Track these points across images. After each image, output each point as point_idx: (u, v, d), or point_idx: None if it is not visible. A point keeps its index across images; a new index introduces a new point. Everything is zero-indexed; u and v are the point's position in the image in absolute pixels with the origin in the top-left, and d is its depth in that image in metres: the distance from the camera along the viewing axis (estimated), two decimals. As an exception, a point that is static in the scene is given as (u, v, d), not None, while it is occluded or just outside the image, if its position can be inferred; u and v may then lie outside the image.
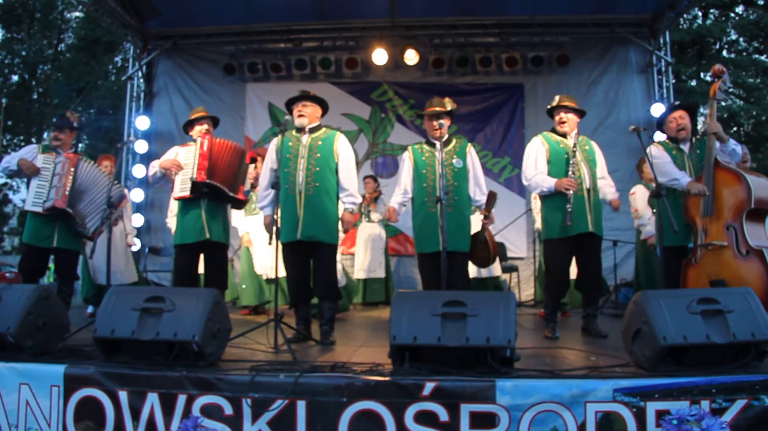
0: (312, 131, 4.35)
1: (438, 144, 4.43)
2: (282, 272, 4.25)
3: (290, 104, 4.44)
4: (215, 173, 4.55)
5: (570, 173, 4.44)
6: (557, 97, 4.73)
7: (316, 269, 4.29)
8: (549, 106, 4.71)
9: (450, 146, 4.53)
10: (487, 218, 4.62)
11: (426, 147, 4.58)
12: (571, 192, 4.35)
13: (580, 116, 4.67)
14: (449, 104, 4.61)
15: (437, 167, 4.38)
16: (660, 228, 4.47)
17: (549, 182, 4.45)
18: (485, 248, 4.74)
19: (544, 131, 4.73)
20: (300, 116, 4.31)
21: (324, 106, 4.50)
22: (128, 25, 8.33)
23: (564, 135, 4.59)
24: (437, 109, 4.53)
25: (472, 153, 4.59)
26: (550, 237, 4.57)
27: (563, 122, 4.58)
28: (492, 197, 4.61)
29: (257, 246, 6.29)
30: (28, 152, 4.96)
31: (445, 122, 4.47)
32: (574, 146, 4.52)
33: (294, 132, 4.33)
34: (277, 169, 4.21)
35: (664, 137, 4.81)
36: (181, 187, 4.55)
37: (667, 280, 4.39)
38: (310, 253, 4.29)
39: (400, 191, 4.61)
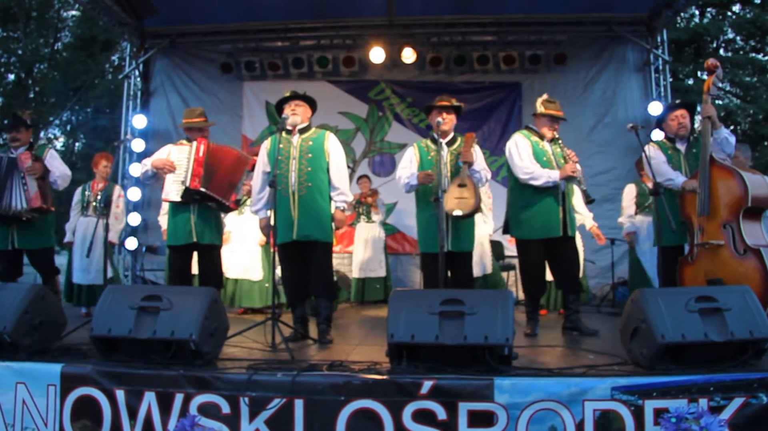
0: (302, 131, 4.35)
1: (443, 143, 4.49)
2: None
3: (282, 104, 4.44)
4: (211, 181, 4.49)
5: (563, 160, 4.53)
6: (546, 105, 4.68)
7: (312, 268, 4.29)
8: (544, 112, 4.64)
9: (455, 145, 4.55)
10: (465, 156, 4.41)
11: (432, 146, 4.58)
12: (579, 172, 4.43)
13: None
14: (456, 103, 4.66)
15: (441, 167, 4.37)
16: (658, 227, 4.48)
17: (554, 174, 4.44)
18: (470, 189, 4.40)
19: (522, 130, 4.75)
20: (294, 114, 4.32)
21: (314, 106, 4.51)
22: (125, 23, 8.29)
23: (542, 137, 4.63)
24: (445, 102, 4.56)
25: (477, 152, 4.58)
26: (524, 238, 4.57)
27: (555, 130, 4.63)
28: (470, 139, 4.51)
29: (236, 246, 6.28)
30: None
31: (451, 118, 4.51)
32: (558, 140, 4.64)
33: (284, 134, 4.31)
34: (270, 171, 4.25)
35: (661, 136, 4.82)
36: (172, 189, 4.51)
37: (663, 279, 4.40)
38: (305, 253, 4.29)
39: (407, 172, 4.55)
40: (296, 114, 4.32)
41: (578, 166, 4.49)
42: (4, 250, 4.87)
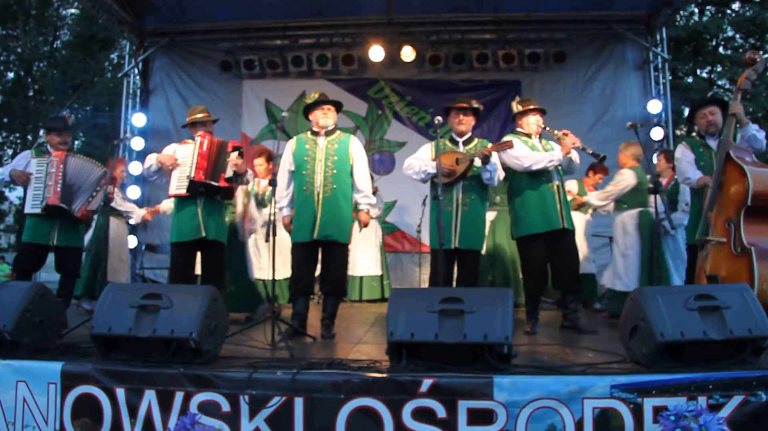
0: (328, 134, 4.46)
1: (460, 142, 4.61)
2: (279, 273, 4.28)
3: (312, 108, 4.51)
4: (213, 173, 4.58)
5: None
6: (522, 103, 4.77)
7: (327, 268, 4.42)
8: (524, 108, 4.71)
9: (471, 145, 4.62)
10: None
11: (449, 145, 4.65)
12: (579, 144, 4.52)
13: None
14: (475, 105, 4.72)
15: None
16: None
17: (556, 154, 4.51)
18: (464, 162, 4.47)
19: (509, 133, 4.80)
20: (326, 116, 4.43)
21: (339, 110, 4.61)
22: (124, 21, 8.29)
23: (529, 135, 4.68)
24: (464, 104, 4.62)
25: (496, 156, 4.57)
26: (524, 234, 4.58)
27: (540, 121, 4.70)
28: (506, 144, 4.42)
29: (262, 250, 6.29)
30: (22, 159, 5.03)
31: (468, 120, 4.63)
32: (544, 129, 4.70)
33: (309, 135, 4.47)
34: (295, 171, 4.41)
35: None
36: (178, 184, 4.59)
37: (689, 277, 4.39)
38: (321, 252, 4.42)
39: (426, 163, 4.53)
40: (328, 117, 4.44)
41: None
42: (44, 245, 4.96)
